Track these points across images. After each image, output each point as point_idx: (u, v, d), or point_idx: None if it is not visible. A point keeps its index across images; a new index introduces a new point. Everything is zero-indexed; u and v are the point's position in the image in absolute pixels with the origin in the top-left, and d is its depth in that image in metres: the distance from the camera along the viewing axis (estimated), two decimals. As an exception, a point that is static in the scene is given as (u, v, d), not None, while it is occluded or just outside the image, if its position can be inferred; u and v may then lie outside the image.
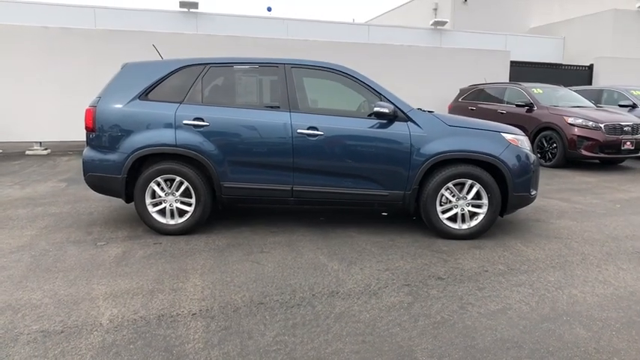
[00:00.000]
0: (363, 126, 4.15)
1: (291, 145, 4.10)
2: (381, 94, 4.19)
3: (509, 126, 4.45)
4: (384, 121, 4.14)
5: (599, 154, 8.06)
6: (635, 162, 9.34)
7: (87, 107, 4.32)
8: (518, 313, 2.85)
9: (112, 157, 4.20)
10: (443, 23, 18.60)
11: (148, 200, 4.22)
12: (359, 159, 4.13)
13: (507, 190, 4.14)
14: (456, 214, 4.19)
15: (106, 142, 4.22)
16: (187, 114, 4.15)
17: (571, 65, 15.84)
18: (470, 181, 4.12)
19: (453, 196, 4.16)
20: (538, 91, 9.28)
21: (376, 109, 4.02)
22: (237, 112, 4.20)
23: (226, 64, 4.33)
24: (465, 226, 4.20)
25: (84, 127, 4.34)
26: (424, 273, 3.45)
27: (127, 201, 4.36)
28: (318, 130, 4.09)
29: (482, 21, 21.02)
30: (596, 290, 3.20)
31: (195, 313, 2.79)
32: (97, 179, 4.30)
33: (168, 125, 4.14)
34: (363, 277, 3.36)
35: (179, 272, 3.41)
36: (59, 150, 10.09)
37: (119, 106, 4.22)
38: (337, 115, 4.23)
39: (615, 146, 7.99)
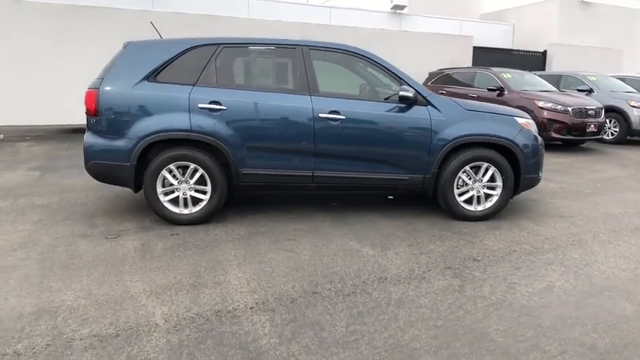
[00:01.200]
0: (384, 110, 4.11)
1: (313, 130, 3.99)
2: (401, 77, 4.16)
3: (520, 110, 4.58)
4: (403, 105, 4.12)
5: (567, 136, 8.55)
6: (593, 143, 9.98)
7: (87, 89, 3.96)
8: (563, 290, 2.98)
9: (118, 143, 3.89)
10: (402, 7, 18.75)
11: (160, 189, 3.97)
12: (381, 143, 4.10)
13: (519, 172, 4.28)
14: (471, 197, 4.28)
15: (112, 127, 3.91)
16: (202, 97, 3.91)
17: (526, 51, 16.57)
18: (486, 164, 4.21)
19: (470, 178, 4.25)
20: (507, 75, 9.64)
21: (402, 93, 3.98)
22: (257, 96, 4.01)
23: (240, 45, 4.11)
24: (480, 208, 4.31)
25: (84, 110, 3.98)
26: (459, 255, 3.51)
27: (136, 190, 4.08)
28: (340, 114, 4.00)
29: (437, 6, 21.42)
30: (620, 265, 3.40)
31: (252, 307, 2.67)
32: (101, 167, 3.98)
33: (182, 109, 3.89)
34: (403, 261, 3.37)
35: (213, 264, 3.25)
36: (14, 135, 9.22)
37: (126, 88, 3.90)
38: (356, 98, 4.16)
39: (581, 129, 8.50)
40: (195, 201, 4.04)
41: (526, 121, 4.36)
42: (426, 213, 4.52)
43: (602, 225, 4.31)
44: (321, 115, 3.98)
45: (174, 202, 4.03)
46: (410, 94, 3.98)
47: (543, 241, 3.84)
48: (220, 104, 3.91)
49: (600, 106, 8.91)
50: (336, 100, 4.06)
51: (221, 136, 3.90)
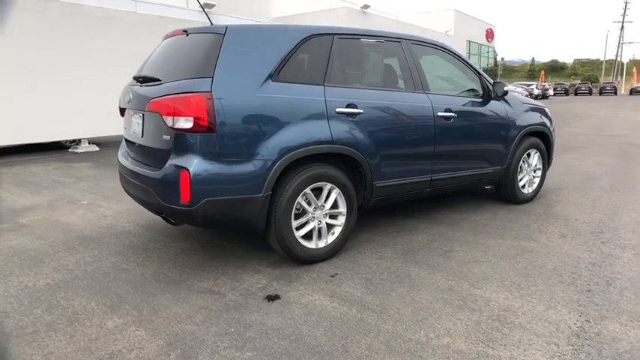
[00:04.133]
0: (476, 105, 4.11)
1: (434, 130, 3.70)
2: (480, 73, 4.22)
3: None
4: (481, 100, 4.21)
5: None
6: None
7: (185, 94, 2.67)
8: (689, 241, 3.67)
9: (245, 168, 2.78)
10: (211, 6, 18.06)
11: (294, 222, 3.03)
12: (480, 138, 4.11)
13: (550, 155, 4.93)
14: (525, 182, 4.71)
15: (235, 146, 2.76)
16: (337, 99, 3.14)
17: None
18: (534, 150, 4.69)
19: (526, 165, 4.66)
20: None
21: (505, 88, 4.07)
22: (386, 95, 3.47)
23: (353, 36, 3.42)
24: (530, 190, 4.78)
25: (181, 125, 2.67)
26: (585, 230, 3.86)
27: (262, 231, 2.99)
28: (451, 111, 3.81)
29: (233, 6, 21.37)
30: (664, 216, 4.37)
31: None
32: (222, 206, 2.76)
33: (320, 115, 3.05)
34: (570, 247, 3.50)
35: (458, 292, 2.73)
36: None
37: (250, 91, 2.81)
38: (452, 95, 4.04)
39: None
40: (327, 229, 3.24)
41: (548, 111, 5.01)
42: (480, 204, 4.74)
43: (602, 188, 5.34)
44: (439, 114, 3.72)
45: (307, 235, 3.14)
46: (506, 89, 4.11)
47: (597, 207, 4.55)
48: (357, 107, 3.22)
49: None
50: (444, 98, 3.85)
51: (359, 145, 3.23)
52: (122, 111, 3.62)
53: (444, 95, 3.88)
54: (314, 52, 3.17)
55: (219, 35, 2.87)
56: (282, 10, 23.97)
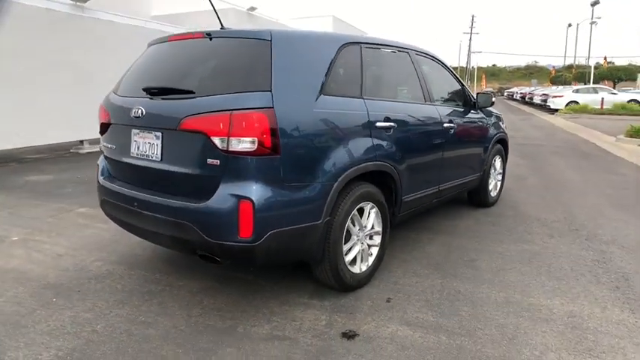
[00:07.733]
0: (465, 115, 4.25)
1: (442, 141, 3.73)
2: (463, 85, 4.37)
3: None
4: (462, 109, 4.36)
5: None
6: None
7: (247, 112, 2.27)
8: (642, 231, 4.27)
9: (307, 193, 2.49)
10: (85, 0, 16.11)
11: (345, 246, 2.80)
12: (471, 147, 4.31)
13: (506, 158, 5.34)
14: (492, 186, 5.02)
15: (298, 169, 2.44)
16: (376, 112, 2.99)
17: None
18: (498, 156, 5.04)
19: (493, 170, 4.97)
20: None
21: (493, 99, 4.25)
22: (411, 108, 3.41)
23: (374, 46, 3.26)
24: (495, 193, 5.12)
25: (238, 147, 2.26)
26: (567, 229, 4.24)
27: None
28: (452, 122, 3.89)
29: (110, 3, 19.38)
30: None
31: None
32: (286, 238, 2.42)
33: (365, 131, 2.87)
34: (579, 246, 3.83)
35: (518, 304, 2.77)
36: None
37: (308, 106, 2.51)
38: (447, 106, 4.11)
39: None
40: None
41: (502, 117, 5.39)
42: (454, 209, 4.94)
43: (539, 187, 5.93)
44: (445, 125, 3.77)
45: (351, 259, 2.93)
46: (494, 100, 4.32)
47: (551, 205, 5.04)
48: (390, 120, 3.09)
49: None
50: (445, 109, 3.91)
51: (394, 160, 3.11)
52: (104, 127, 2.98)
53: (444, 107, 3.95)
54: (349, 63, 2.96)
55: (265, 41, 2.50)
56: (163, 9, 22.41)
